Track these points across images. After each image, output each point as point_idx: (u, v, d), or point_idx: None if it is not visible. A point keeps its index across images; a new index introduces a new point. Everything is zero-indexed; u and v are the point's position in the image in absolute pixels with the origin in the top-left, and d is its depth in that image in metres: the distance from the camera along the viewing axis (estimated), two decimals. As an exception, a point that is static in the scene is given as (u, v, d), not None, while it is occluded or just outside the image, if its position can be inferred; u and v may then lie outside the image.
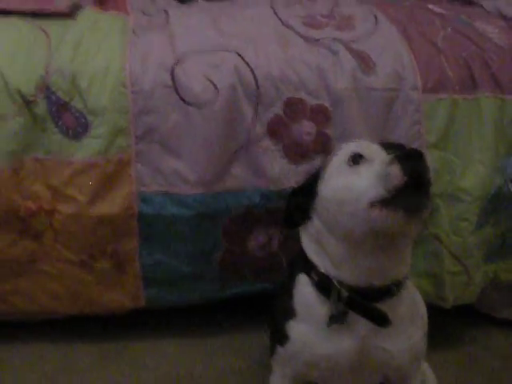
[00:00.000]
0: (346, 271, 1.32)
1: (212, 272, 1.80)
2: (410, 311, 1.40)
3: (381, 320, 1.32)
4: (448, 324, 2.09)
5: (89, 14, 1.90)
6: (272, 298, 1.48)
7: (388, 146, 1.32)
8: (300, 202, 1.40)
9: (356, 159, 1.28)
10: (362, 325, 1.33)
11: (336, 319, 1.33)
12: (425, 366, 1.74)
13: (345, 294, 1.31)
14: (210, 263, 1.79)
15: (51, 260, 1.77)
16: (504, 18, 2.12)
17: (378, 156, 1.29)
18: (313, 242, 1.37)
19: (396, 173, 1.19)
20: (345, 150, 1.34)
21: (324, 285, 1.33)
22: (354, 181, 1.26)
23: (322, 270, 1.34)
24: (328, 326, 1.33)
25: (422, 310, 1.46)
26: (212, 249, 1.77)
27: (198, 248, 1.76)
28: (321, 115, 1.73)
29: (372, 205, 1.21)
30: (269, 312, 1.47)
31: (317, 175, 1.37)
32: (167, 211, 1.70)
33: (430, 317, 1.47)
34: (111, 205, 1.70)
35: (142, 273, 1.78)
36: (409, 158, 1.20)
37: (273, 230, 1.78)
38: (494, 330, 2.12)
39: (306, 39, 1.82)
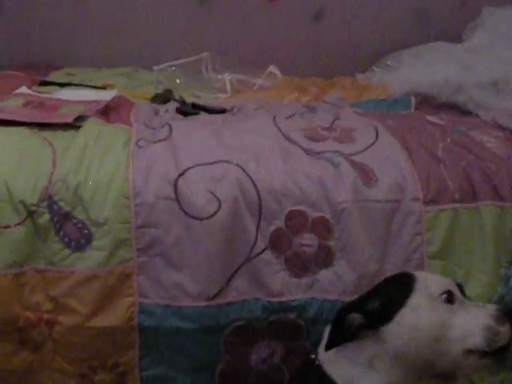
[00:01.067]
0: None
1: (212, 384, 1.78)
2: None
3: None
4: None
5: (93, 125, 1.91)
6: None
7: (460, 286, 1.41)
8: (359, 321, 1.37)
9: (450, 297, 1.31)
10: None
11: None
12: None
13: None
14: (211, 376, 1.75)
15: (50, 372, 1.73)
16: (500, 128, 2.16)
17: (469, 302, 1.36)
18: (351, 364, 1.35)
19: (506, 334, 1.26)
20: (431, 282, 1.36)
21: None
22: (453, 322, 1.29)
23: None
24: None
25: None
26: (213, 361, 1.74)
27: (198, 360, 1.73)
28: (322, 228, 1.73)
29: (468, 352, 1.26)
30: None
31: (391, 301, 1.36)
32: (168, 324, 1.68)
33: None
34: (112, 316, 1.68)
35: (142, 386, 1.75)
36: None
37: (275, 343, 1.75)
38: None
39: (307, 152, 1.84)
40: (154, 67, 2.73)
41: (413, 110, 2.41)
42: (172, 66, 2.68)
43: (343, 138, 1.93)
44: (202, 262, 1.68)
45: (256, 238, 1.71)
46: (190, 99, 2.34)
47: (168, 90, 2.45)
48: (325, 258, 1.73)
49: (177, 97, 2.35)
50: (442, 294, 1.31)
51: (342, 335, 1.36)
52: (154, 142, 1.83)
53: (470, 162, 1.91)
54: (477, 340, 1.26)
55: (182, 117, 2.10)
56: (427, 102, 2.46)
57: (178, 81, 2.57)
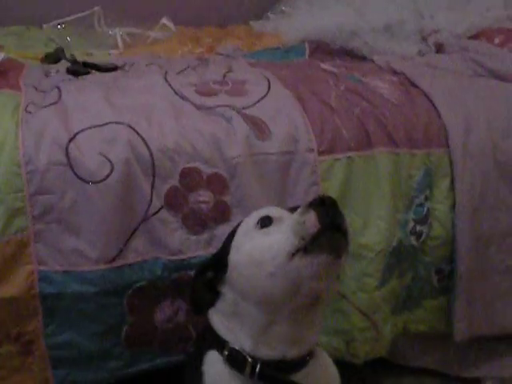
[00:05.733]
0: (263, 343, 1.29)
1: (119, 348, 1.76)
2: (324, 377, 1.40)
3: None
4: (363, 377, 2.11)
5: (-20, 92, 1.85)
6: (181, 375, 1.45)
7: (294, 208, 1.31)
8: (208, 279, 1.38)
9: (265, 222, 1.28)
10: None
11: None
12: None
13: (258, 368, 1.28)
14: (117, 339, 1.75)
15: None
16: (394, 72, 2.18)
17: (287, 216, 1.29)
18: (225, 317, 1.34)
19: (311, 220, 1.18)
20: (250, 218, 1.34)
21: (236, 360, 1.30)
22: (268, 240, 1.24)
23: (235, 346, 1.31)
24: None
25: (334, 372, 1.45)
26: (118, 324, 1.74)
27: (103, 324, 1.72)
28: (217, 184, 1.73)
29: (292, 256, 1.19)
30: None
31: (222, 250, 1.36)
32: (69, 289, 1.66)
33: (344, 372, 1.46)
34: (12, 286, 1.65)
35: (49, 354, 1.72)
36: (322, 205, 1.20)
37: (179, 302, 1.76)
38: (409, 378, 2.14)
39: (199, 107, 1.83)
40: (44, 25, 2.65)
41: (307, 57, 2.41)
42: (63, 22, 2.61)
43: (235, 91, 1.92)
44: (98, 226, 1.66)
45: (151, 198, 1.70)
46: (81, 57, 2.29)
47: (59, 48, 2.38)
48: (222, 213, 1.74)
49: (68, 55, 2.29)
50: (256, 222, 1.30)
51: (202, 297, 1.39)
52: (44, 107, 1.79)
53: (364, 110, 1.92)
54: (289, 239, 1.19)
55: (72, 77, 2.05)
56: (321, 49, 2.47)
57: (68, 38, 2.50)
